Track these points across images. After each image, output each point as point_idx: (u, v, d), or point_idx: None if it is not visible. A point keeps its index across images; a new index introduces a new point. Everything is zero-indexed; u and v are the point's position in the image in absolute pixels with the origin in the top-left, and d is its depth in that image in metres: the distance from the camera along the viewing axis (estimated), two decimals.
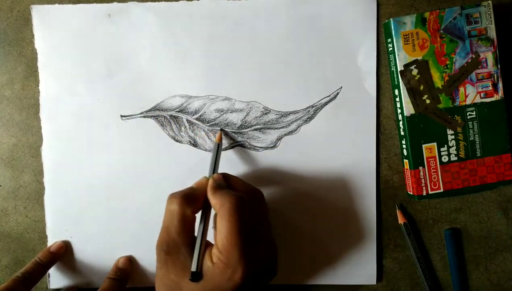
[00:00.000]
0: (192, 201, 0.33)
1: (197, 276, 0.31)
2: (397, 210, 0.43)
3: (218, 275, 0.31)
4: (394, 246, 0.44)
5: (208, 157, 0.42)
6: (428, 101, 0.40)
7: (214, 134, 0.43)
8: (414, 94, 0.40)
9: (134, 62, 0.42)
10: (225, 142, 0.43)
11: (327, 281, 0.43)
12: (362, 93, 0.42)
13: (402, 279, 0.44)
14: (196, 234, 0.34)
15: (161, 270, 0.33)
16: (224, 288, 0.31)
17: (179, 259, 0.32)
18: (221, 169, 0.42)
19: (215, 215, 0.36)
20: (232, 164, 0.43)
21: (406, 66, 0.40)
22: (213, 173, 0.37)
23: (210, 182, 0.35)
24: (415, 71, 0.40)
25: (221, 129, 0.42)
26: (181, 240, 0.33)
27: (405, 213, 0.43)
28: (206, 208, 0.35)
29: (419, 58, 0.39)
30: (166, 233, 0.33)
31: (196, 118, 0.43)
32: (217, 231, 0.32)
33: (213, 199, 0.33)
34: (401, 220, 0.43)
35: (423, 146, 0.40)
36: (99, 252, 0.43)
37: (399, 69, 0.40)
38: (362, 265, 0.43)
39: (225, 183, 0.36)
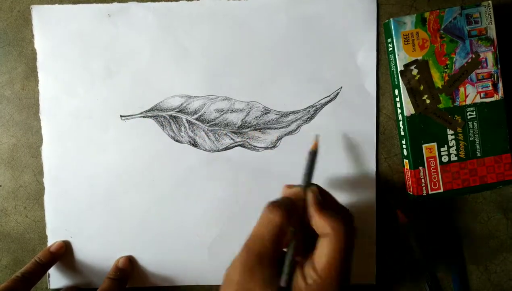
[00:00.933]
0: (293, 214, 0.32)
1: None
2: (397, 210, 0.43)
3: None
4: (394, 246, 0.44)
5: (208, 156, 0.42)
6: (428, 101, 0.40)
7: (214, 135, 0.43)
8: (414, 94, 0.40)
9: (133, 62, 0.42)
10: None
11: None
12: (362, 93, 0.42)
13: (402, 279, 0.44)
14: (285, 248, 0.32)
15: (244, 276, 0.30)
16: None
17: (268, 270, 0.30)
18: (221, 169, 0.42)
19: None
20: (232, 164, 0.43)
21: (406, 66, 0.40)
22: (307, 184, 0.34)
23: (312, 197, 0.33)
24: (415, 71, 0.40)
25: (317, 135, 0.37)
26: (274, 252, 0.31)
27: (405, 213, 0.43)
28: (301, 222, 0.33)
29: (419, 58, 0.39)
30: (261, 241, 0.31)
31: (196, 118, 0.43)
32: (318, 252, 0.30)
33: (321, 220, 0.31)
34: (401, 220, 0.43)
35: (423, 146, 0.40)
36: (99, 252, 0.43)
37: (399, 69, 0.40)
38: (362, 265, 0.43)
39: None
